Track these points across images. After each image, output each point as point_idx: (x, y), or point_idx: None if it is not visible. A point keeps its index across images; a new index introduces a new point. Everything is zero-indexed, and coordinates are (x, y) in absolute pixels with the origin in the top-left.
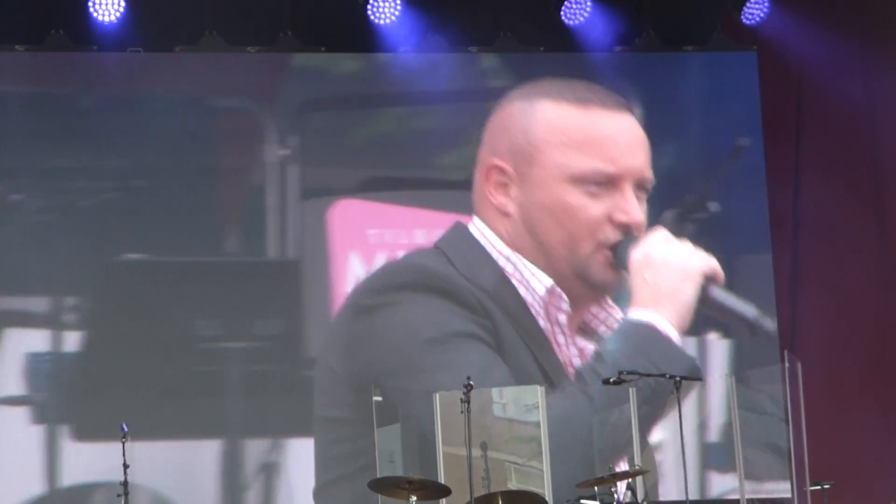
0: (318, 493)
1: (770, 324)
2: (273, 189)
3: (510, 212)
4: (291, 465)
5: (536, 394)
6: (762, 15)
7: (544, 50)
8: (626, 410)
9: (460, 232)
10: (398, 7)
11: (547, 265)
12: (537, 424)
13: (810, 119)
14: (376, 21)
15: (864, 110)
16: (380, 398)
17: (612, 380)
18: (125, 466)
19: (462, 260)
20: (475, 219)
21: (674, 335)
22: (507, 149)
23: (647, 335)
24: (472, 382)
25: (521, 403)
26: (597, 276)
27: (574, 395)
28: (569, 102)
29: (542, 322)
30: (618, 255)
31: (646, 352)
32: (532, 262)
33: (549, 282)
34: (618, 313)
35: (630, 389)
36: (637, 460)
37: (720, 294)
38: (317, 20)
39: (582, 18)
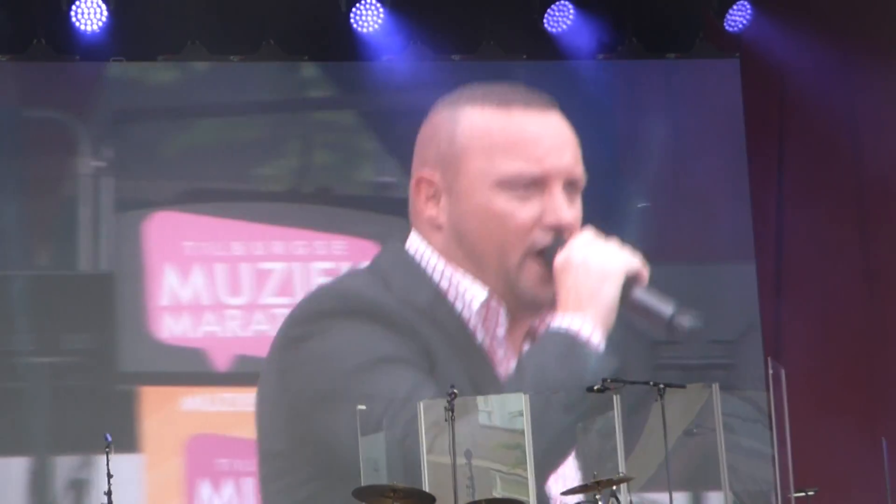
0: None
1: (688, 321)
2: (86, 201)
3: (441, 223)
4: (103, 481)
5: (521, 401)
6: (745, 22)
7: (527, 58)
8: (610, 419)
9: (395, 249)
10: (381, 15)
11: (481, 278)
12: (522, 432)
13: (793, 125)
14: (359, 29)
15: (847, 117)
16: (363, 407)
17: (595, 387)
18: (109, 476)
19: (397, 279)
20: (412, 233)
21: (596, 339)
22: (434, 159)
23: (566, 343)
24: (455, 391)
25: (505, 411)
26: (528, 292)
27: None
28: (491, 106)
29: (480, 337)
30: (548, 263)
31: (565, 360)
32: (469, 273)
33: (483, 295)
34: None
35: (614, 397)
36: (622, 467)
37: (640, 293)
38: (300, 29)
39: (565, 26)
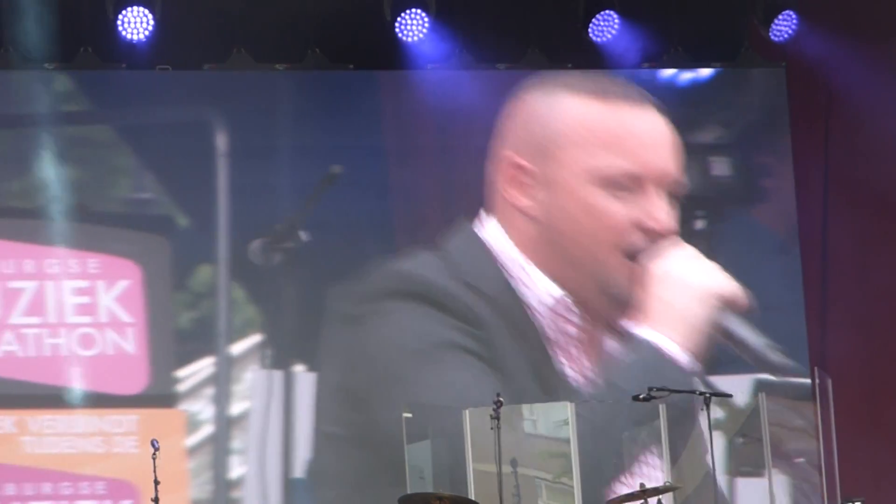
0: None
1: (777, 358)
2: None
3: (536, 216)
4: None
5: (566, 410)
6: (790, 31)
7: (572, 67)
8: (656, 427)
9: (466, 232)
10: (426, 24)
11: (568, 275)
12: (567, 440)
13: (840, 135)
14: (404, 38)
15: (894, 124)
16: (410, 414)
17: (641, 396)
18: (156, 483)
19: (465, 263)
20: (484, 217)
21: (682, 359)
22: (526, 145)
23: (652, 355)
24: (501, 398)
25: (550, 420)
26: (620, 293)
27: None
28: (591, 95)
29: (549, 332)
30: (640, 264)
31: (649, 373)
32: (549, 269)
33: (557, 292)
34: None
35: (660, 406)
36: (667, 476)
37: (733, 322)
38: (345, 37)
39: (610, 35)
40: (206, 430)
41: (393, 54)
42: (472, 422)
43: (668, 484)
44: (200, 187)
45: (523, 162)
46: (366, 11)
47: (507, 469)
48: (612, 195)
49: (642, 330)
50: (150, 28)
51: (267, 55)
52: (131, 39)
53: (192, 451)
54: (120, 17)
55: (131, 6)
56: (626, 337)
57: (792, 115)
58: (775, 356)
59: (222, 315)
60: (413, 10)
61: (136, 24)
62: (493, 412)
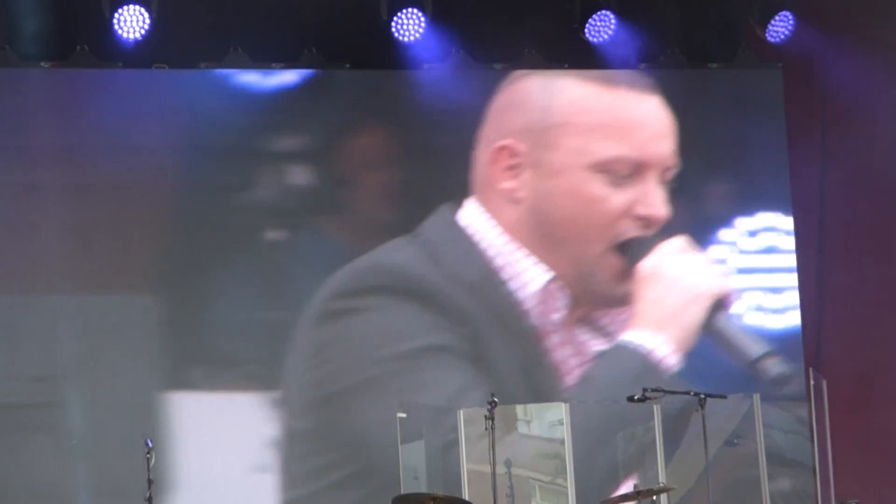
0: None
1: (776, 367)
2: None
3: (520, 198)
4: None
5: (561, 410)
6: (787, 32)
7: (569, 67)
8: (651, 427)
9: (446, 218)
10: (422, 24)
11: (549, 260)
12: (562, 441)
13: (836, 134)
14: (400, 38)
15: (889, 126)
16: (404, 415)
17: (636, 397)
18: (150, 482)
19: (446, 250)
20: (471, 203)
21: (672, 361)
22: (521, 128)
23: (639, 361)
24: (496, 399)
25: (545, 420)
26: (602, 286)
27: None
28: (595, 81)
29: (532, 320)
30: (629, 256)
31: (638, 379)
32: (537, 254)
33: (545, 277)
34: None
35: (654, 406)
36: (661, 477)
37: (728, 324)
38: (341, 37)
39: (606, 36)
40: None
41: (389, 54)
42: (465, 422)
43: (661, 485)
44: None
45: (514, 144)
46: (362, 11)
47: (501, 470)
48: (608, 182)
49: (630, 333)
50: (146, 27)
51: (263, 54)
52: (127, 38)
53: None
54: (116, 15)
55: (127, 5)
56: (607, 334)
57: (788, 115)
58: (774, 366)
59: None
60: (409, 9)
61: (132, 23)
62: (487, 412)
